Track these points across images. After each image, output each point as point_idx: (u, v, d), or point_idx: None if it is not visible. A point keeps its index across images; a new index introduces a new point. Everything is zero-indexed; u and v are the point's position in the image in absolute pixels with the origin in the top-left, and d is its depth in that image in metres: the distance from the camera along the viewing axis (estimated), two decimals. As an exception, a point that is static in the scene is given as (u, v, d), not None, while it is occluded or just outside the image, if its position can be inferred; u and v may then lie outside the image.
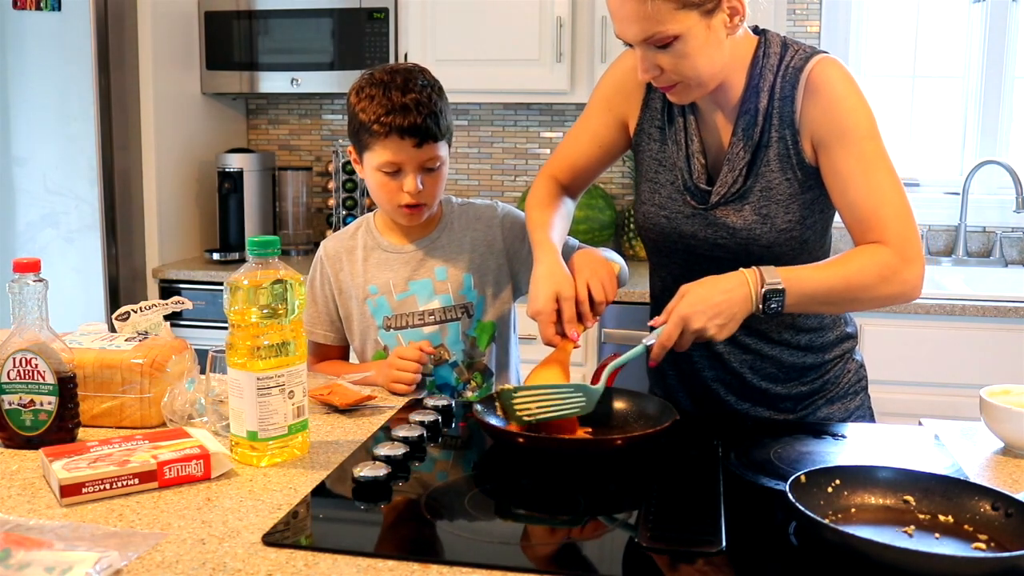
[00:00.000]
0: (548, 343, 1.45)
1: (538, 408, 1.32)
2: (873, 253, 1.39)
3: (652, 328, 1.38)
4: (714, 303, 1.34)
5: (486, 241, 1.77)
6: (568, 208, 1.68)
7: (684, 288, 1.37)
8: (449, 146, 1.69)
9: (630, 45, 1.41)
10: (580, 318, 1.45)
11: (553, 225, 1.58)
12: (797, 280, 1.36)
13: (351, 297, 1.78)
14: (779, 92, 1.45)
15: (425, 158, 1.64)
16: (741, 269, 1.37)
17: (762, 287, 1.34)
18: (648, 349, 1.36)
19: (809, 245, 1.50)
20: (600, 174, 1.72)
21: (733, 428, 1.46)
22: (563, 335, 1.44)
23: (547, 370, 1.44)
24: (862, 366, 1.67)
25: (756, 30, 1.50)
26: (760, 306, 1.35)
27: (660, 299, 1.65)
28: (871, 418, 1.67)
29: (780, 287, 1.34)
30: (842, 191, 1.43)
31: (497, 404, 1.36)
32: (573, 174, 1.68)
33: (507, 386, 1.35)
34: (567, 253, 1.57)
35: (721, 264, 1.42)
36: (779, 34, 1.50)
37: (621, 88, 1.60)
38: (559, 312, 1.44)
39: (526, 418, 1.32)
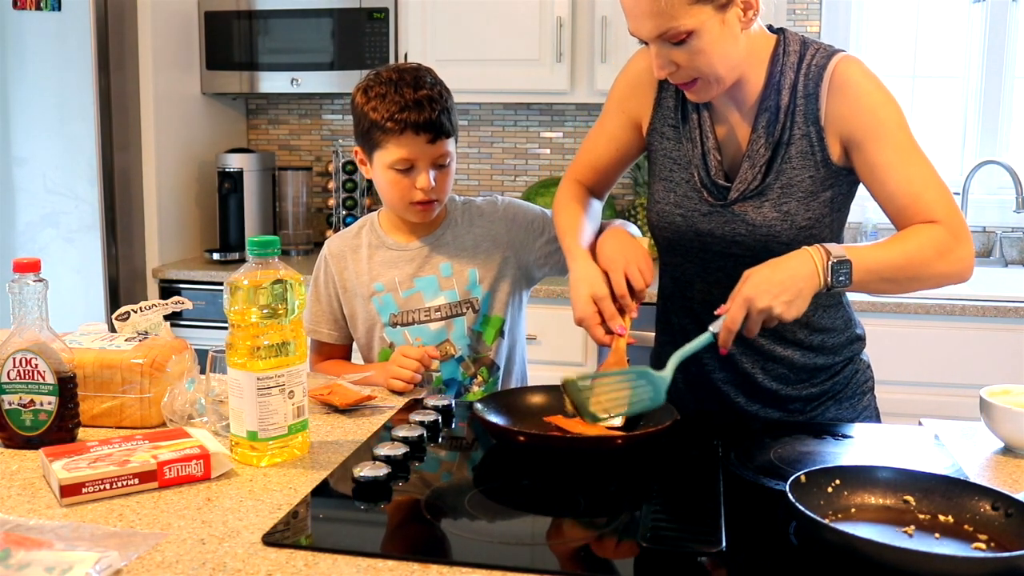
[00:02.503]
0: (601, 344, 1.45)
1: (609, 401, 1.33)
2: (929, 230, 1.39)
3: (718, 316, 1.36)
4: (777, 280, 1.32)
5: (490, 236, 1.78)
6: (595, 208, 1.69)
7: (747, 272, 1.35)
8: (456, 143, 1.70)
9: (644, 43, 1.40)
10: (624, 311, 1.45)
11: (582, 227, 1.59)
12: (861, 255, 1.35)
13: (356, 295, 1.78)
14: (802, 90, 1.45)
15: (437, 154, 1.65)
16: (804, 248, 1.35)
17: (828, 260, 1.32)
18: (715, 336, 1.35)
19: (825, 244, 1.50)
20: (622, 174, 1.72)
21: (733, 428, 1.46)
22: (611, 332, 1.44)
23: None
24: (869, 367, 1.67)
25: (773, 29, 1.50)
26: (828, 279, 1.32)
27: (671, 298, 1.64)
28: (877, 418, 1.67)
29: (847, 259, 1.33)
30: (882, 183, 1.43)
31: (565, 398, 1.35)
32: (595, 176, 1.69)
33: (570, 376, 1.34)
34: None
35: (738, 262, 1.41)
36: (798, 33, 1.50)
37: (634, 89, 1.60)
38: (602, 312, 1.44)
39: (601, 415, 1.32)
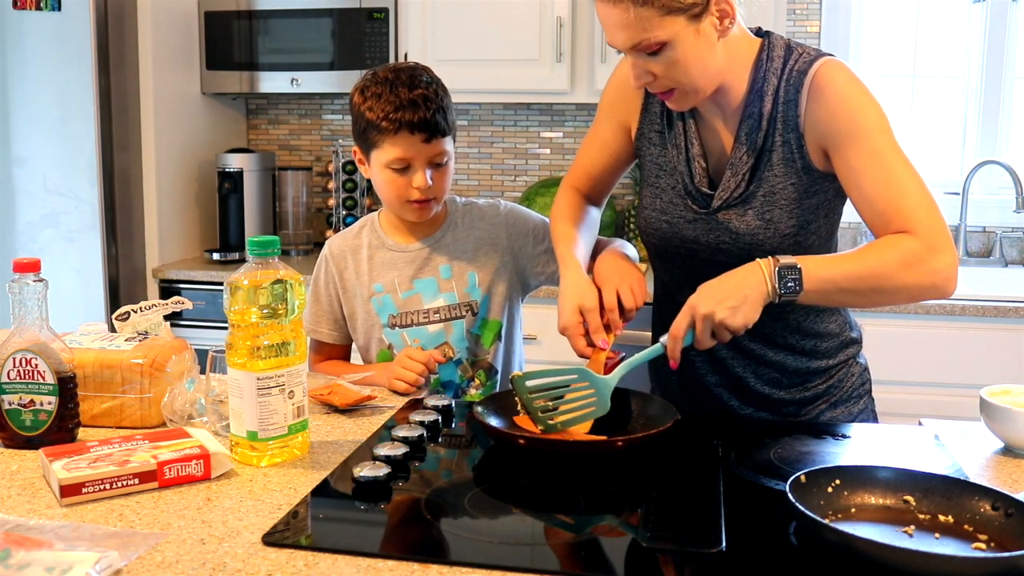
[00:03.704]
0: (580, 355, 1.45)
1: (556, 407, 1.34)
2: (896, 240, 1.35)
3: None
4: (722, 288, 1.32)
5: (490, 239, 1.78)
6: (593, 217, 1.69)
7: (701, 285, 1.35)
8: (454, 141, 1.70)
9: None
10: (610, 327, 1.45)
11: (577, 238, 1.59)
12: (814, 263, 1.32)
13: (356, 296, 1.78)
14: (783, 96, 1.43)
15: (434, 153, 1.65)
16: (757, 259, 1.34)
17: (775, 267, 1.31)
18: (666, 347, 1.35)
19: (813, 251, 1.48)
20: (620, 177, 1.72)
21: (733, 428, 1.46)
22: (593, 345, 1.44)
23: None
24: (866, 369, 1.66)
25: (759, 32, 1.49)
26: (776, 286, 1.31)
27: (662, 302, 1.65)
28: (874, 422, 1.66)
29: (795, 265, 1.30)
30: (858, 187, 1.39)
31: (516, 399, 1.36)
32: (591, 182, 1.69)
33: (518, 374, 1.36)
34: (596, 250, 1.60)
35: (723, 269, 1.41)
36: (783, 37, 1.48)
37: (622, 94, 1.60)
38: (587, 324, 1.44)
39: (551, 423, 1.34)
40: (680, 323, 1.33)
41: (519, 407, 1.36)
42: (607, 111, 1.63)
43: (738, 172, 1.46)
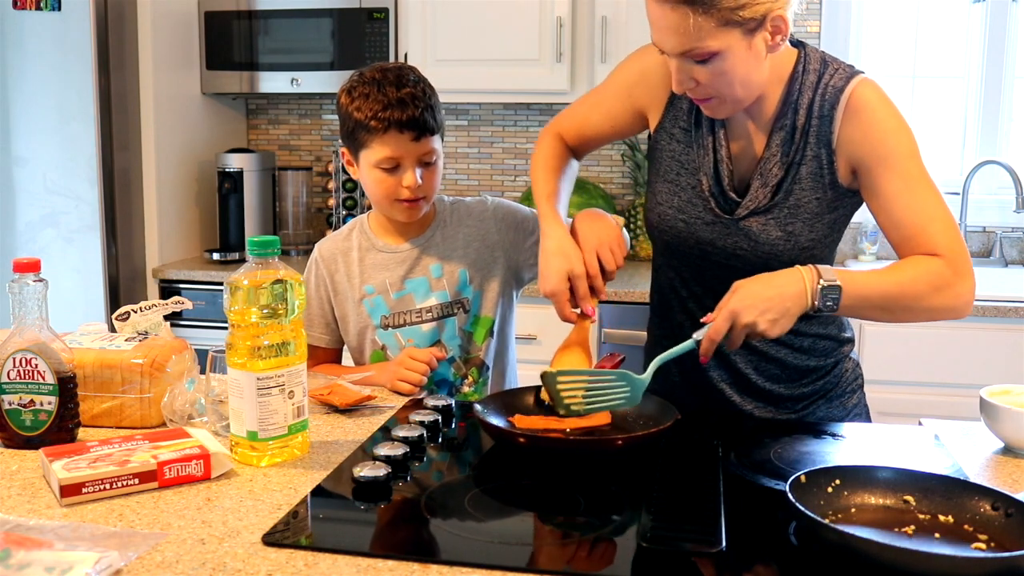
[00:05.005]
0: (565, 320, 1.45)
1: (585, 398, 1.33)
2: (927, 263, 1.38)
3: (703, 324, 1.36)
4: (766, 298, 1.32)
5: (480, 236, 1.78)
6: (573, 169, 1.69)
7: (737, 284, 1.35)
8: (442, 141, 1.70)
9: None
10: (594, 290, 1.46)
11: (560, 193, 1.59)
12: (853, 281, 1.35)
13: (347, 298, 1.78)
14: (817, 111, 1.44)
15: (422, 152, 1.65)
16: (797, 266, 1.35)
17: (819, 283, 1.32)
18: (698, 344, 1.36)
19: (822, 260, 1.51)
20: (607, 144, 1.71)
21: (733, 428, 1.46)
22: (579, 312, 1.44)
23: (570, 353, 1.44)
24: (858, 365, 1.69)
25: (795, 43, 1.49)
26: (816, 302, 1.33)
27: (667, 295, 1.64)
28: (867, 415, 1.68)
29: (837, 284, 1.32)
30: (887, 211, 1.42)
31: (543, 390, 1.36)
32: (580, 139, 1.69)
33: (550, 369, 1.35)
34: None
35: (734, 273, 1.41)
36: (818, 50, 1.49)
37: (646, 79, 1.58)
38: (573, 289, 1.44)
39: (574, 407, 1.34)
40: (720, 327, 1.33)
41: (544, 396, 1.36)
42: (623, 90, 1.61)
43: (768, 183, 1.47)
